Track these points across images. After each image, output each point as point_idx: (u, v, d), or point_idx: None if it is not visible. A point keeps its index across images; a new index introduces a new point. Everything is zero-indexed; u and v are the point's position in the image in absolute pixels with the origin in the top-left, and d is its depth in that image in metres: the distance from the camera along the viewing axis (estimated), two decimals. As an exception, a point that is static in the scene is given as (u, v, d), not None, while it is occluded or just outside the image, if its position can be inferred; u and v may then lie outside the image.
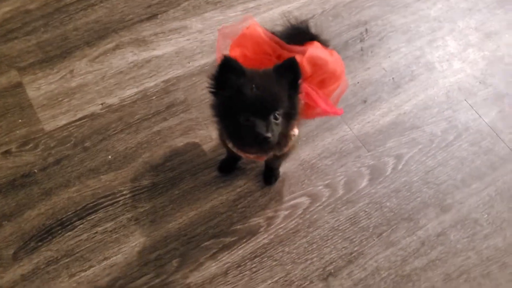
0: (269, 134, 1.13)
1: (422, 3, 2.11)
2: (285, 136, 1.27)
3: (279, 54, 1.33)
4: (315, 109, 1.37)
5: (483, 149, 1.77)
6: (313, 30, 1.49)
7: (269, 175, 1.66)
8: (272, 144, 1.18)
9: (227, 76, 1.16)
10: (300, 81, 1.19)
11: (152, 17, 1.98)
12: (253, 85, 1.14)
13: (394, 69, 1.93)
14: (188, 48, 1.92)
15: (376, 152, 1.75)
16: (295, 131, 1.34)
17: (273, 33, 1.38)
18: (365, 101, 1.85)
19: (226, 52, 1.38)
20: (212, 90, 1.21)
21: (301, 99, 1.32)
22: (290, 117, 1.21)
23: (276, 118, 1.16)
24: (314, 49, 1.37)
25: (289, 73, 1.17)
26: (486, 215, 1.65)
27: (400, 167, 1.72)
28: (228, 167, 1.68)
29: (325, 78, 1.37)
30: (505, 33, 2.05)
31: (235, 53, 1.36)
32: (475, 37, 2.04)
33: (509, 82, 1.92)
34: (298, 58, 1.31)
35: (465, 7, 2.11)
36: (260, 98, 1.13)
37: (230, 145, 1.31)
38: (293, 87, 1.20)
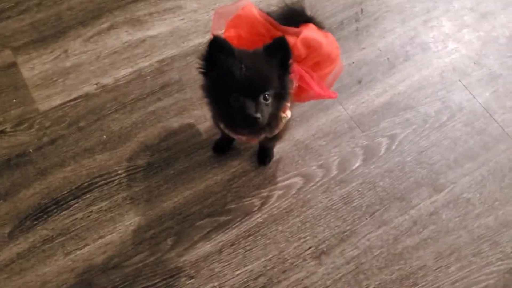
0: (258, 115, 1.12)
1: (418, -17, 2.10)
2: (275, 117, 1.27)
3: (274, 35, 1.32)
4: (308, 92, 1.38)
5: (477, 130, 1.78)
6: (308, 11, 1.49)
7: (263, 156, 1.67)
8: (261, 125, 1.17)
9: (216, 56, 1.16)
10: (290, 61, 1.19)
11: (147, -4, 1.97)
12: (243, 65, 1.13)
13: (389, 49, 1.93)
14: (183, 28, 1.91)
15: (370, 133, 1.75)
16: (288, 113, 1.34)
17: (268, 14, 1.37)
18: (360, 82, 1.85)
19: (221, 32, 1.38)
20: (202, 70, 1.20)
21: (294, 81, 1.32)
22: (280, 98, 1.21)
23: (266, 99, 1.16)
24: (309, 31, 1.36)
25: (279, 52, 1.17)
26: (479, 195, 1.67)
27: (393, 147, 1.73)
28: (223, 147, 1.68)
29: (319, 60, 1.37)
30: (500, 13, 2.05)
31: (230, 34, 1.35)
32: (470, 17, 2.03)
33: (503, 63, 1.93)
34: (292, 39, 1.31)
35: (461, -13, 2.10)
36: (249, 78, 1.13)
37: (222, 126, 1.32)
38: (284, 67, 1.19)
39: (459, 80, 1.87)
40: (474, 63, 1.92)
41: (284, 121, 1.33)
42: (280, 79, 1.19)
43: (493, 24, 2.02)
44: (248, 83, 1.13)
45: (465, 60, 1.92)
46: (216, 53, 1.15)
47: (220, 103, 1.21)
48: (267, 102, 1.16)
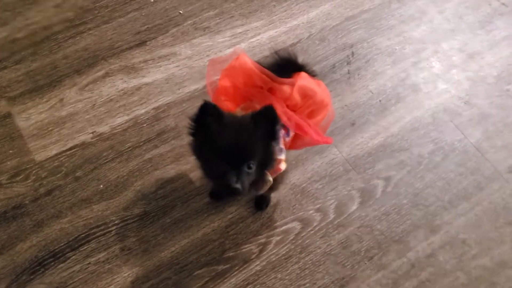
0: (238, 185, 1.14)
1: (406, 25, 2.14)
2: (261, 181, 1.30)
3: (270, 87, 1.35)
4: (304, 139, 1.40)
5: (469, 170, 1.81)
6: (300, 58, 1.53)
7: (260, 201, 1.67)
8: (242, 194, 1.19)
9: (206, 119, 1.18)
10: (277, 127, 1.21)
11: (141, 44, 2.00)
12: (229, 134, 1.16)
13: (380, 92, 1.96)
14: (178, 75, 1.93)
15: (365, 175, 1.77)
16: (282, 166, 1.35)
17: (261, 64, 1.40)
18: (353, 124, 1.87)
19: (216, 79, 1.40)
20: (191, 131, 1.23)
21: (291, 130, 1.34)
22: (265, 166, 1.24)
23: (249, 168, 1.18)
24: (303, 80, 1.40)
25: (267, 120, 1.19)
26: (474, 235, 1.68)
27: (389, 189, 1.75)
28: (219, 193, 1.69)
29: (314, 109, 1.40)
30: (487, 53, 2.09)
31: (226, 84, 1.38)
32: (458, 58, 2.08)
33: (492, 102, 1.96)
34: (288, 89, 1.34)
35: (448, 28, 2.15)
36: (234, 148, 1.16)
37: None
38: (270, 135, 1.22)
39: (451, 121, 1.90)
40: (464, 103, 1.95)
41: (269, 184, 1.34)
42: (266, 146, 1.22)
43: (480, 64, 2.06)
44: (232, 153, 1.16)
45: (455, 100, 1.96)
46: (206, 117, 1.18)
47: (205, 164, 1.25)
48: (250, 171, 1.19)
